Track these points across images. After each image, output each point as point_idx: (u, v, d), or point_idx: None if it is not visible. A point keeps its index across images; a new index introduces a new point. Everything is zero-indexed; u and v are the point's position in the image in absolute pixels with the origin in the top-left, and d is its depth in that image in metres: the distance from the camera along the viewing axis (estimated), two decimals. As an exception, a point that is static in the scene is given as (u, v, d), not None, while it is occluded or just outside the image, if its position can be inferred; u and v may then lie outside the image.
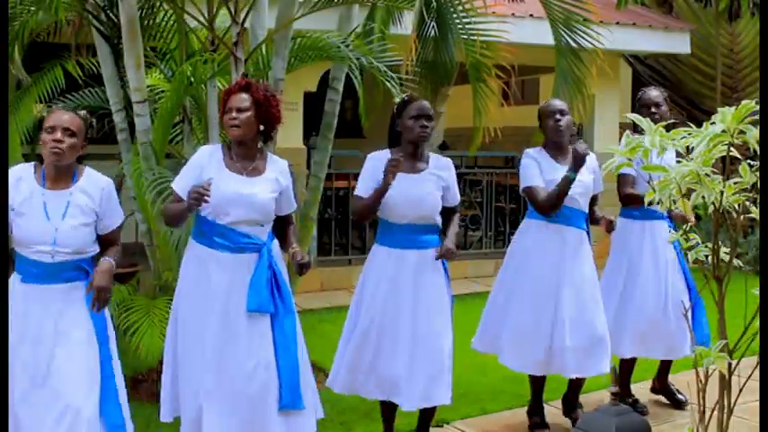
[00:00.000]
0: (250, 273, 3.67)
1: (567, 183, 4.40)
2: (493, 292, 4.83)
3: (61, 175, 3.46)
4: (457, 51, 5.82)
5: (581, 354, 4.49)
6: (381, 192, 4.04)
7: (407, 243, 4.13)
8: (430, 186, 4.16)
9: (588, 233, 4.67)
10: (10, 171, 3.46)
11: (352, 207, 4.31)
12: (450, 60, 5.82)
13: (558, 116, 4.54)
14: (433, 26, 5.76)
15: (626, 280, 4.94)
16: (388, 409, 4.35)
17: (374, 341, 4.14)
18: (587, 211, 4.65)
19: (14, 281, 3.46)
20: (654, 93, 4.83)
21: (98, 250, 3.56)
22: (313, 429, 3.80)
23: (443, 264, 4.22)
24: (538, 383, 4.76)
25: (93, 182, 3.53)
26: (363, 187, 4.16)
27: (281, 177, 3.82)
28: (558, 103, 4.63)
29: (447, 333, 4.18)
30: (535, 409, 4.80)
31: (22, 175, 3.45)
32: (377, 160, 4.15)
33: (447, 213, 4.27)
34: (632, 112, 4.54)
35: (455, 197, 4.30)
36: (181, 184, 3.75)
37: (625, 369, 5.06)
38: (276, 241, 3.84)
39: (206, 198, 3.50)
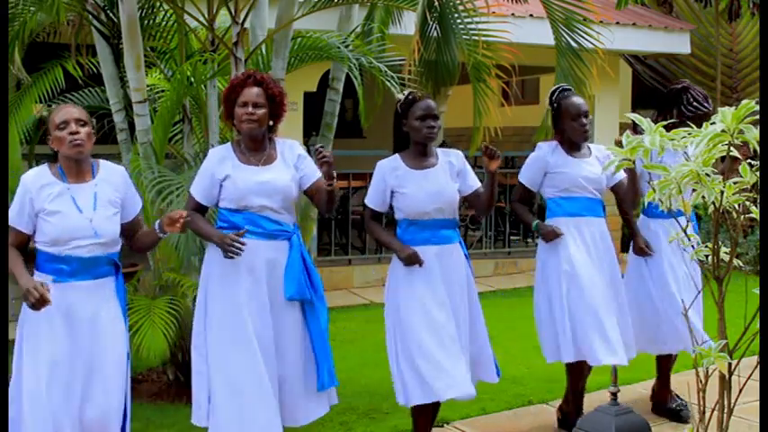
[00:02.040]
0: (283, 260, 3.77)
1: (526, 222, 4.71)
2: (537, 301, 4.71)
3: (82, 169, 3.47)
4: (459, 51, 5.82)
5: (618, 341, 4.45)
6: (389, 245, 4.15)
7: (428, 239, 4.11)
8: (446, 177, 4.16)
9: (605, 219, 4.68)
10: (26, 179, 3.43)
11: (364, 217, 4.32)
12: (452, 61, 5.81)
13: (583, 119, 4.52)
14: (436, 27, 5.76)
15: (648, 276, 4.90)
16: (433, 408, 4.22)
17: (426, 344, 4.02)
18: (601, 197, 4.65)
19: (43, 281, 3.37)
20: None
21: (121, 243, 3.57)
22: (327, 408, 3.96)
23: (466, 256, 4.24)
24: (575, 374, 4.65)
25: (112, 171, 3.57)
26: (374, 199, 4.18)
27: (290, 155, 3.87)
28: (583, 104, 4.57)
29: (481, 315, 4.28)
30: (569, 402, 4.72)
31: (41, 180, 3.42)
32: (386, 169, 4.16)
33: (476, 197, 4.24)
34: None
35: (474, 180, 4.26)
36: (196, 189, 3.88)
37: (664, 362, 5.02)
38: (300, 231, 3.95)
39: (238, 252, 3.64)
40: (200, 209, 3.89)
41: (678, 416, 4.94)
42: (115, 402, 3.45)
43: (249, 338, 3.69)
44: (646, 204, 4.89)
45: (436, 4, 5.55)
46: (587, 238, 4.57)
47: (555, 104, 4.62)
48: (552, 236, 4.51)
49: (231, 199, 3.78)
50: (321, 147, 3.70)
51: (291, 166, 3.86)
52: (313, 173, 3.88)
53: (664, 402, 5.03)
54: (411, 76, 5.33)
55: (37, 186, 3.40)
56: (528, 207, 4.82)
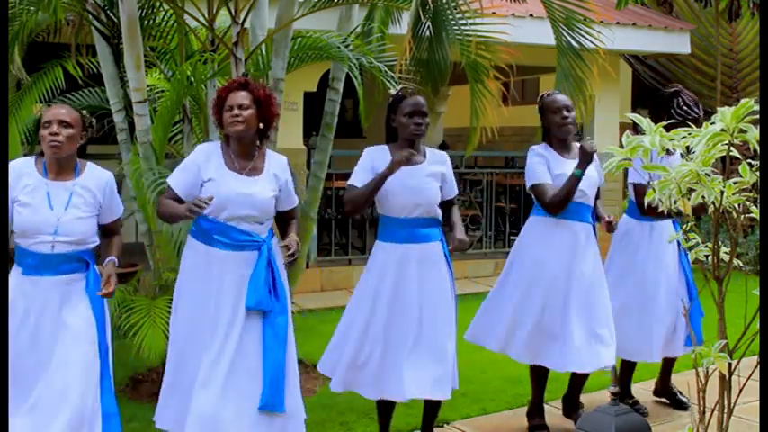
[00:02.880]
0: (249, 270, 3.68)
1: (575, 181, 4.37)
2: (496, 287, 4.76)
3: (63, 168, 3.51)
4: (454, 51, 5.82)
5: (587, 348, 4.46)
6: (380, 180, 4.01)
7: (409, 237, 4.11)
8: (428, 178, 4.15)
9: (594, 227, 4.66)
10: (10, 165, 3.49)
11: (345, 197, 4.22)
12: (444, 60, 5.82)
13: (564, 113, 4.49)
14: (428, 26, 5.76)
15: (630, 280, 4.92)
16: (386, 408, 4.33)
17: (377, 337, 4.10)
18: (590, 204, 4.64)
19: (15, 274, 3.49)
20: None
21: (98, 242, 3.60)
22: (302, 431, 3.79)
23: (447, 260, 4.22)
24: (540, 382, 4.73)
25: (96, 177, 3.58)
26: (358, 179, 4.13)
27: (280, 173, 3.82)
28: (564, 99, 4.57)
29: (451, 328, 4.17)
30: (536, 410, 4.78)
31: (23, 169, 3.50)
32: (374, 153, 4.16)
33: (447, 206, 4.27)
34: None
35: (453, 189, 4.30)
36: (177, 181, 3.78)
37: (625, 370, 5.05)
38: (276, 239, 3.84)
39: (202, 212, 3.55)
40: (177, 202, 3.76)
41: (679, 402, 4.99)
42: (78, 402, 3.37)
43: (204, 352, 3.64)
44: (628, 206, 4.91)
45: (429, 4, 5.56)
46: (567, 242, 4.51)
47: (540, 105, 4.61)
48: (589, 153, 4.34)
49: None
50: (291, 244, 3.67)
51: (276, 185, 3.79)
52: (289, 202, 3.88)
53: (666, 388, 5.12)
54: (402, 74, 5.33)
55: (17, 175, 3.46)
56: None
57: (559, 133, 4.54)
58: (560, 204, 4.44)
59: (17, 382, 3.37)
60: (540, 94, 4.69)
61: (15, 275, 3.49)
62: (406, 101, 4.12)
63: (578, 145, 4.55)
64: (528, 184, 4.60)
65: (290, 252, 3.68)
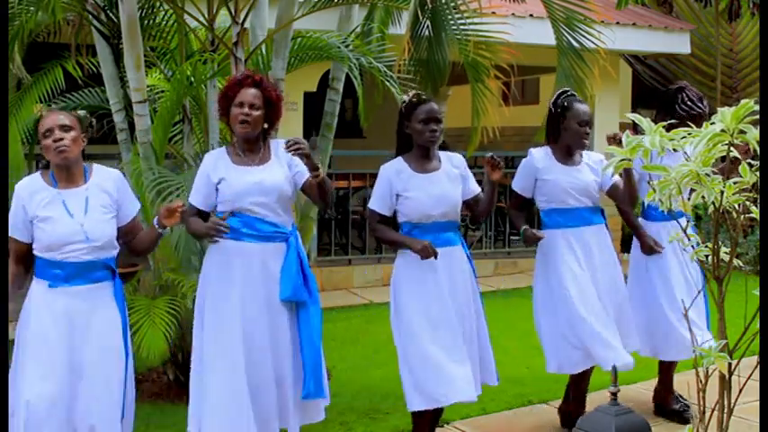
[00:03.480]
0: (279, 262, 3.74)
1: (517, 228, 4.66)
2: (537, 312, 4.73)
3: (72, 174, 3.46)
4: (454, 51, 5.82)
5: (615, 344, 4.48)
6: (399, 245, 4.13)
7: (433, 241, 4.08)
8: (449, 182, 4.17)
9: (607, 226, 4.69)
10: (18, 187, 3.44)
11: (369, 224, 4.33)
12: (443, 60, 5.82)
13: (587, 129, 4.50)
14: (428, 25, 5.77)
15: (649, 280, 4.91)
16: (436, 413, 4.23)
17: (430, 344, 4.02)
18: (595, 204, 4.65)
19: (38, 288, 3.42)
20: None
21: (119, 248, 3.55)
22: (322, 415, 3.91)
23: (470, 261, 4.25)
24: (578, 378, 4.69)
25: (105, 176, 3.55)
26: (378, 202, 4.17)
27: (286, 155, 3.81)
28: (587, 111, 4.55)
29: (484, 324, 4.27)
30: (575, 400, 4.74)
31: (33, 186, 3.44)
32: (391, 174, 4.16)
33: (476, 201, 4.26)
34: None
35: (475, 186, 4.30)
36: (194, 197, 3.86)
37: (665, 369, 5.03)
38: (298, 232, 3.90)
39: (222, 235, 3.62)
40: (200, 215, 3.86)
41: (681, 416, 4.94)
42: (108, 408, 3.39)
43: (241, 351, 3.66)
44: (646, 206, 4.89)
45: (428, 4, 5.56)
46: (579, 249, 4.55)
47: (562, 106, 4.58)
48: (533, 239, 4.51)
49: (227, 201, 3.76)
50: (291, 141, 3.64)
51: (285, 164, 3.83)
52: (304, 170, 3.86)
53: (666, 404, 5.03)
54: (401, 74, 5.33)
55: (28, 193, 3.41)
56: (522, 213, 4.81)
57: (576, 145, 4.55)
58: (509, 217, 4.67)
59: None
60: (560, 94, 4.65)
61: (39, 289, 3.41)
62: (421, 107, 4.11)
63: (582, 154, 4.58)
64: (512, 182, 4.73)
65: (297, 148, 3.60)
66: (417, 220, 4.13)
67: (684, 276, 4.83)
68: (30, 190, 3.42)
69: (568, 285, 4.48)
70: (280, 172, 3.80)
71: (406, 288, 4.12)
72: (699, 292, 4.60)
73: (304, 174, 3.82)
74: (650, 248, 4.81)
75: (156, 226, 3.58)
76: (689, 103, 4.82)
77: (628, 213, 4.84)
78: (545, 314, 4.64)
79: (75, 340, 3.38)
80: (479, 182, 4.33)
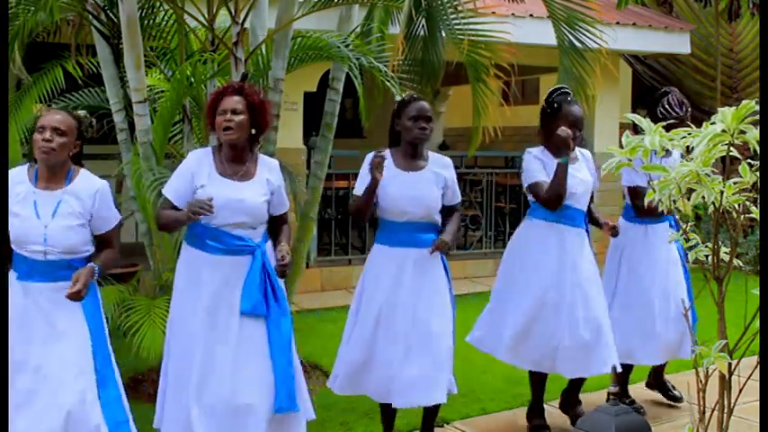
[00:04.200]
0: (244, 275, 3.67)
1: (563, 169, 4.38)
2: (494, 292, 4.80)
3: (54, 175, 3.47)
4: (453, 51, 5.82)
5: (583, 353, 4.48)
6: (371, 189, 4.04)
7: (407, 241, 4.12)
8: (429, 184, 4.17)
9: (588, 231, 4.67)
10: (9, 174, 3.48)
11: (349, 207, 4.31)
12: (437, 59, 5.82)
13: (577, 131, 4.49)
14: (423, 25, 5.78)
15: (625, 282, 4.93)
16: (389, 410, 4.33)
17: (374, 340, 4.13)
18: (586, 210, 4.65)
19: (12, 278, 3.49)
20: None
21: (92, 250, 3.55)
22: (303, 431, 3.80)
23: (444, 263, 4.22)
24: (539, 383, 4.74)
25: (87, 185, 3.52)
26: (360, 187, 4.17)
27: (273, 178, 3.81)
28: (579, 112, 4.55)
29: (447, 332, 4.17)
30: (536, 411, 4.78)
31: (17, 178, 3.48)
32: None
33: (448, 212, 4.26)
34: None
35: (456, 196, 4.29)
36: (172, 190, 3.77)
37: (624, 371, 5.05)
38: (270, 242, 3.82)
39: (206, 213, 3.52)
40: (175, 210, 3.77)
41: (672, 397, 5.01)
42: (70, 414, 3.31)
43: (205, 351, 3.64)
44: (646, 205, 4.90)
45: (423, 2, 5.57)
46: (559, 246, 4.53)
47: (554, 105, 4.57)
48: (564, 139, 4.37)
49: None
50: (284, 255, 3.65)
51: (268, 189, 3.77)
52: (281, 206, 3.85)
53: (659, 382, 5.14)
54: (398, 74, 5.33)
55: (12, 184, 3.45)
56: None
57: (562, 145, 4.49)
58: (557, 197, 4.43)
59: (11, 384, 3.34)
60: (554, 91, 4.63)
61: (12, 279, 3.49)
62: (412, 105, 4.13)
63: (578, 152, 4.59)
64: (525, 184, 4.63)
65: (283, 263, 3.66)
66: (392, 218, 4.15)
67: (665, 280, 4.85)
68: (13, 181, 3.47)
69: (539, 284, 4.52)
70: (261, 194, 3.74)
71: (369, 276, 4.19)
72: (688, 304, 4.63)
73: (277, 210, 3.83)
74: (610, 228, 4.67)
75: (95, 269, 3.48)
76: (666, 107, 4.84)
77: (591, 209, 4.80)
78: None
79: (34, 339, 3.39)
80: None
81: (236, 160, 3.75)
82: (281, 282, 3.77)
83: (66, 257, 3.45)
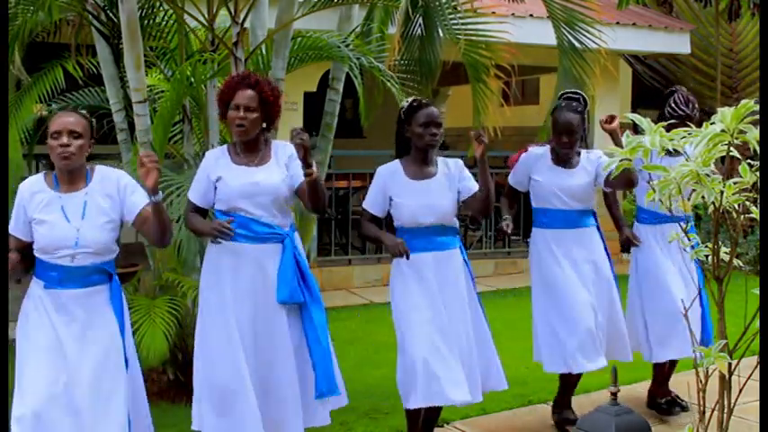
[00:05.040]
0: (274, 264, 3.72)
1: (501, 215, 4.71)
2: (535, 310, 4.79)
3: (74, 178, 3.44)
4: (450, 51, 5.82)
5: (590, 350, 4.52)
6: (376, 241, 4.24)
7: (424, 246, 4.11)
8: (443, 190, 4.16)
9: (599, 228, 4.71)
10: (22, 187, 3.43)
11: (361, 221, 4.34)
12: (434, 59, 5.83)
13: (565, 138, 4.54)
14: (420, 24, 5.78)
15: (640, 283, 4.94)
16: (417, 412, 4.22)
17: (419, 347, 4.03)
18: (590, 206, 4.68)
19: (36, 287, 3.42)
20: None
21: (117, 251, 3.53)
22: (328, 420, 3.90)
23: (467, 265, 4.24)
24: (568, 379, 4.74)
25: (106, 179, 3.50)
26: (371, 202, 4.21)
27: (282, 155, 3.83)
28: (570, 121, 4.56)
29: (482, 321, 4.26)
30: (564, 404, 4.81)
31: (34, 187, 3.43)
32: (386, 176, 4.18)
33: (473, 197, 4.20)
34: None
35: (472, 184, 4.24)
36: (194, 193, 3.88)
37: (660, 370, 5.07)
38: (297, 233, 3.89)
39: (227, 237, 3.62)
40: (199, 212, 3.90)
41: (668, 411, 5.00)
42: (113, 414, 3.34)
43: (234, 344, 3.66)
44: (646, 204, 4.91)
45: (421, 2, 5.57)
46: (560, 252, 4.60)
47: (552, 111, 4.72)
48: (503, 232, 4.58)
49: (223, 200, 3.77)
50: (297, 130, 3.64)
51: (283, 166, 3.82)
52: (301, 173, 3.82)
53: (656, 397, 5.10)
54: (397, 74, 5.34)
55: (29, 194, 3.41)
56: (512, 203, 4.91)
57: (561, 155, 4.65)
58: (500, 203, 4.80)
59: (39, 391, 3.29)
60: (560, 96, 4.75)
61: (36, 289, 3.41)
62: (421, 111, 4.12)
63: (582, 155, 4.60)
64: (509, 176, 4.84)
65: (300, 139, 3.60)
66: (409, 226, 4.15)
67: (681, 276, 4.85)
68: (32, 191, 3.42)
69: (552, 283, 4.60)
70: (277, 173, 3.79)
71: (399, 289, 4.15)
72: (697, 295, 4.62)
73: (299, 178, 3.78)
74: (628, 241, 4.89)
75: (148, 198, 3.43)
76: (673, 105, 4.90)
77: (614, 212, 4.90)
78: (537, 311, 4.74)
79: (71, 348, 3.35)
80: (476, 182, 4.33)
81: (250, 150, 3.82)
82: (310, 271, 3.85)
83: (96, 260, 3.40)
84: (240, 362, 3.66)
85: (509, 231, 4.59)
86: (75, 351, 3.35)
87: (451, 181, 4.19)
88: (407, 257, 4.03)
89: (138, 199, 3.48)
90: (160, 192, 3.38)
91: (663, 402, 5.05)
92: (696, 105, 4.97)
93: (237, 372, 3.66)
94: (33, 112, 6.66)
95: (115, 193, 3.48)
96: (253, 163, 3.79)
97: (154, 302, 5.15)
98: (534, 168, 4.67)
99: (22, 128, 6.49)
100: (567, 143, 4.56)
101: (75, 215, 3.38)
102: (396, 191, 4.13)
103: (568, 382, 4.77)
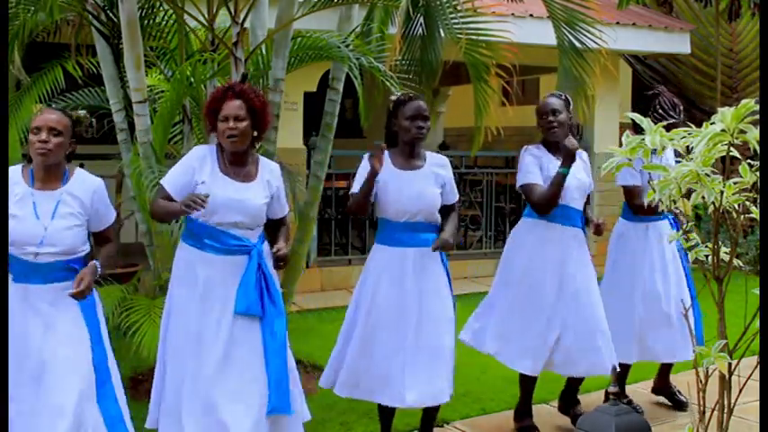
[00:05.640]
0: (239, 275, 3.65)
1: (561, 179, 4.40)
2: (491, 291, 4.81)
3: (50, 176, 3.45)
4: (451, 50, 5.82)
5: (582, 353, 4.48)
6: (369, 180, 4.04)
7: (407, 241, 4.13)
8: (428, 182, 4.17)
9: (585, 232, 4.68)
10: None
11: (348, 205, 4.34)
12: (435, 59, 5.83)
13: (550, 117, 4.52)
14: (421, 23, 5.78)
15: (629, 281, 4.92)
16: (387, 411, 4.32)
17: (375, 340, 4.12)
18: (581, 207, 4.66)
19: (8, 280, 3.45)
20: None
21: (89, 249, 3.54)
22: None
23: (444, 263, 4.22)
24: (530, 385, 4.73)
25: (84, 184, 3.52)
26: (357, 185, 4.18)
27: (273, 180, 3.81)
28: (552, 102, 4.56)
29: (449, 330, 4.17)
30: (526, 412, 4.78)
31: (14, 178, 3.45)
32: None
33: (446, 211, 4.26)
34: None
35: (453, 194, 4.30)
36: (171, 182, 3.75)
37: (621, 371, 5.05)
38: (266, 243, 3.82)
39: (199, 208, 3.50)
40: (170, 201, 3.75)
41: (677, 402, 4.99)
42: (70, 413, 3.31)
43: (198, 350, 3.63)
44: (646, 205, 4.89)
45: (422, 1, 5.57)
46: (556, 245, 4.55)
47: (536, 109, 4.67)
48: (571, 150, 4.38)
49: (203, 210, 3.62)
50: (279, 248, 3.69)
51: (268, 192, 3.77)
52: (281, 210, 3.86)
53: (665, 386, 5.09)
54: (398, 74, 5.33)
55: (9, 184, 3.42)
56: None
57: (546, 135, 4.59)
58: (548, 203, 4.45)
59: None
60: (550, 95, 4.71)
61: (9, 281, 3.44)
62: (408, 105, 4.13)
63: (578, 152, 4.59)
64: (518, 184, 4.63)
65: (279, 254, 3.67)
66: (392, 217, 4.15)
67: (666, 279, 4.85)
68: (11, 181, 3.43)
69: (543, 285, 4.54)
70: (261, 194, 3.73)
71: (369, 276, 4.18)
72: (693, 298, 4.63)
73: (278, 213, 3.86)
74: (597, 227, 4.60)
75: (98, 266, 3.49)
76: (660, 111, 4.79)
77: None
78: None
79: (31, 341, 3.37)
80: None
81: (237, 162, 3.74)
82: (276, 282, 3.76)
83: (62, 258, 3.43)
84: (203, 373, 3.60)
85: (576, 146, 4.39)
86: (38, 345, 3.37)
87: (437, 177, 4.20)
88: (380, 160, 3.98)
89: (103, 220, 3.59)
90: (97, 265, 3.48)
91: (674, 392, 5.07)
92: (681, 108, 4.88)
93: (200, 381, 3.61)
94: (33, 112, 6.63)
95: (88, 201, 3.50)
96: (239, 177, 3.71)
97: (154, 302, 5.15)
98: (544, 165, 4.55)
99: (22, 128, 6.48)
100: (552, 122, 4.50)
101: (45, 214, 3.40)
102: (383, 179, 4.09)
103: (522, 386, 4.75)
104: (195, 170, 3.71)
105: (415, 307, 4.09)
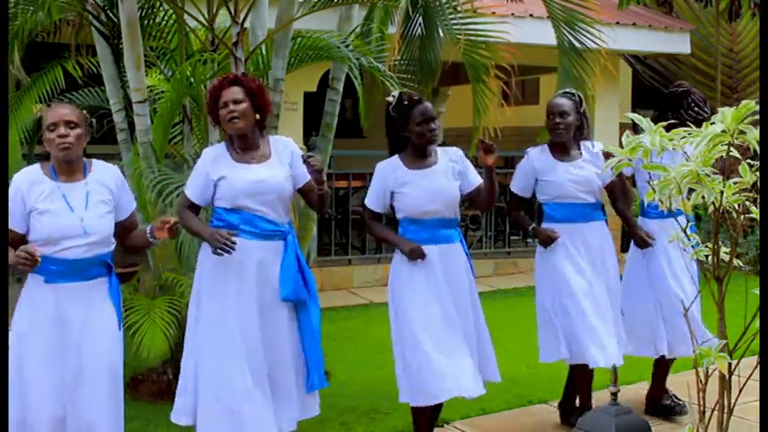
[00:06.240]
0: (277, 261, 3.76)
1: (525, 228, 4.85)
2: (539, 305, 4.77)
3: (73, 169, 3.44)
4: (450, 50, 5.82)
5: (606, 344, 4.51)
6: (393, 242, 4.20)
7: (429, 239, 4.12)
8: (446, 176, 4.17)
9: (606, 222, 4.72)
10: (17, 178, 3.42)
11: (365, 218, 4.36)
12: (434, 59, 5.83)
13: (557, 119, 4.55)
14: (420, 23, 5.78)
15: (644, 278, 4.92)
16: (427, 410, 4.18)
17: (428, 342, 4.02)
18: (598, 199, 4.67)
19: (34, 283, 3.40)
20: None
21: (114, 246, 3.54)
22: (317, 410, 3.98)
23: (468, 260, 4.25)
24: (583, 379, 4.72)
25: (108, 172, 3.55)
26: (373, 199, 4.23)
27: (285, 150, 3.87)
28: (561, 104, 4.59)
29: (482, 314, 4.28)
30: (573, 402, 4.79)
31: (32, 177, 3.41)
32: (385, 170, 4.19)
33: (477, 191, 4.22)
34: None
35: (476, 177, 4.26)
36: (191, 189, 3.87)
37: (659, 367, 5.04)
38: (295, 232, 3.94)
39: (229, 251, 3.59)
40: (194, 208, 3.90)
41: (671, 411, 4.96)
42: (105, 410, 3.38)
43: (237, 339, 3.69)
44: (646, 205, 4.89)
45: (421, 1, 5.57)
46: (580, 245, 4.59)
47: (547, 105, 4.69)
48: (549, 240, 4.56)
49: (226, 198, 3.77)
50: (310, 155, 3.73)
51: (286, 163, 3.85)
52: (306, 172, 3.86)
53: (658, 400, 5.04)
54: (397, 74, 5.34)
55: (27, 184, 3.38)
56: (523, 213, 4.91)
57: (552, 137, 4.64)
58: (513, 219, 4.95)
59: (43, 390, 3.32)
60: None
61: (35, 283, 3.39)
62: (416, 109, 4.11)
63: (582, 147, 4.60)
64: (510, 184, 4.78)
65: (314, 161, 3.72)
66: (414, 216, 4.14)
67: (679, 275, 4.83)
68: (29, 181, 3.39)
69: (570, 280, 4.53)
70: (281, 170, 3.81)
71: (403, 285, 4.13)
72: (698, 293, 4.61)
73: (304, 177, 3.85)
74: (642, 241, 4.79)
75: (149, 235, 3.57)
76: (696, 108, 4.82)
77: (623, 210, 4.86)
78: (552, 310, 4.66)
79: (70, 340, 3.36)
80: (481, 174, 4.32)
81: (249, 147, 3.82)
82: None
83: (98, 253, 3.41)
84: (243, 363, 3.68)
85: (557, 235, 4.56)
86: (75, 348, 3.37)
87: (454, 170, 4.20)
88: (423, 259, 4.05)
89: (128, 205, 3.63)
90: (158, 240, 3.60)
91: (669, 401, 5.03)
92: (708, 103, 4.95)
93: (242, 372, 3.68)
94: (33, 112, 6.66)
95: (113, 187, 3.53)
96: (254, 160, 3.80)
97: (154, 302, 5.15)
98: (540, 170, 4.63)
99: (22, 128, 6.49)
100: (558, 124, 4.54)
101: (78, 204, 3.39)
102: (398, 183, 4.13)
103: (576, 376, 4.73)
104: (209, 172, 3.80)
105: (448, 302, 4.09)
